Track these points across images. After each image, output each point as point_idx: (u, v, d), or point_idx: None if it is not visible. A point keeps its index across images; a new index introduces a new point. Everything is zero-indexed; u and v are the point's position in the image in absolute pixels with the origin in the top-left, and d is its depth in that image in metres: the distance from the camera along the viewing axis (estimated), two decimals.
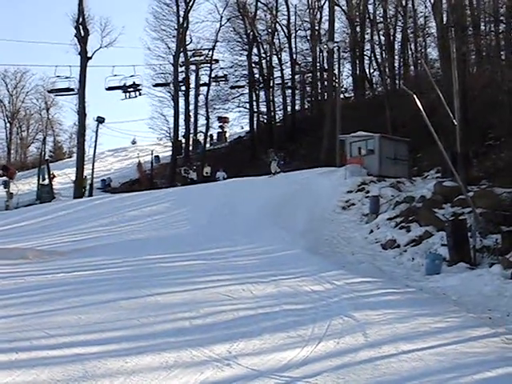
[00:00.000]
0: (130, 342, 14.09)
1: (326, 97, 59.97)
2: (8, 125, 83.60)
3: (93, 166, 55.75)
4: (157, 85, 65.56)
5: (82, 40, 55.37)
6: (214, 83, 66.22)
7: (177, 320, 16.01)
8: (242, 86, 66.12)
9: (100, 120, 58.64)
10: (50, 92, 67.89)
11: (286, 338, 14.65)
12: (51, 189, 51.26)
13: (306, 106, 68.68)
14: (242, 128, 71.25)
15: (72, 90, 59.04)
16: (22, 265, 23.67)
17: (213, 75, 66.24)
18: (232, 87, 66.37)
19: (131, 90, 62.79)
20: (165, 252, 24.94)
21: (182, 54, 64.44)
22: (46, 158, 66.77)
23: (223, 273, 21.41)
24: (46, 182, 51.98)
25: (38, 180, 52.57)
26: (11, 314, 16.38)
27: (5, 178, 54.50)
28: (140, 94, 64.05)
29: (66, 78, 58.39)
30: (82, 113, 55.32)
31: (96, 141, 59.38)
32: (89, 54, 55.79)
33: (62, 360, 12.70)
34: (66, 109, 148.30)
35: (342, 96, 54.15)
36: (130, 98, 63.89)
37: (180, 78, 64.35)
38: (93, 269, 22.37)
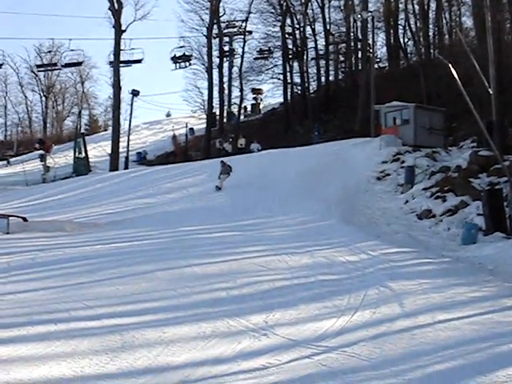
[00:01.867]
0: (168, 312, 14.23)
1: (360, 67, 59.55)
2: (44, 99, 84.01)
3: (128, 138, 55.96)
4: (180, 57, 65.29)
5: (116, 13, 55.29)
6: (248, 55, 66.04)
7: (213, 290, 16.13)
8: (270, 55, 65.67)
9: (135, 93, 58.78)
10: (64, 66, 68.75)
11: (322, 308, 14.70)
12: (87, 162, 51.55)
13: (340, 77, 68.17)
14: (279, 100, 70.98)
15: (80, 63, 59.98)
16: (61, 237, 23.94)
17: (248, 47, 66.08)
18: (265, 57, 66.02)
19: (181, 60, 63.13)
20: (200, 223, 25.06)
21: (215, 26, 64.22)
22: (82, 131, 67.16)
23: (259, 243, 21.49)
24: (83, 155, 52.29)
25: (74, 153, 52.81)
26: (50, 286, 16.61)
27: (41, 151, 54.89)
28: (190, 64, 64.40)
29: (72, 50, 58.79)
30: (116, 86, 55.38)
31: (131, 114, 59.59)
32: (123, 27, 55.75)
33: (101, 331, 12.86)
34: (101, 82, 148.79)
35: (376, 66, 53.77)
36: (180, 68, 64.37)
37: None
38: (130, 240, 22.57)
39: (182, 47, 63.20)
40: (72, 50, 59.48)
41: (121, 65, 55.73)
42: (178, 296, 15.57)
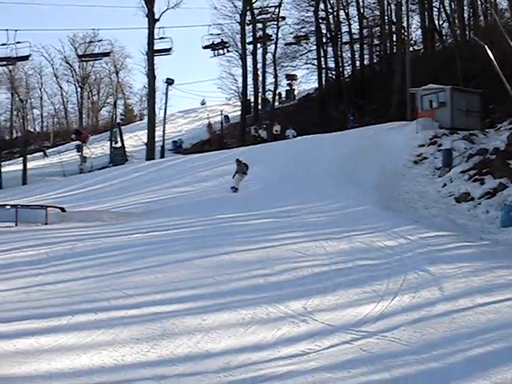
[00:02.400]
0: (207, 299, 14.26)
1: (394, 50, 59.12)
2: (79, 89, 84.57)
3: (163, 127, 56.12)
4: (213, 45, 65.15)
5: (149, 2, 55.33)
6: (282, 41, 65.76)
7: (252, 277, 16.15)
8: (306, 40, 65.28)
9: (169, 82, 58.87)
10: (80, 57, 69.09)
11: (361, 293, 14.65)
12: (124, 151, 51.77)
13: (375, 61, 67.67)
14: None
15: (107, 54, 60.04)
16: (99, 227, 24.10)
17: (281, 33, 65.79)
18: (298, 43, 65.69)
19: (219, 47, 63.09)
20: (237, 211, 25.08)
21: (248, 13, 64.03)
22: (118, 121, 67.48)
23: (296, 230, 21.46)
24: (119, 144, 52.50)
25: (111, 143, 53.07)
26: (89, 276, 16.72)
27: (78, 142, 55.24)
28: (228, 51, 64.37)
29: (99, 41, 58.86)
30: (151, 75, 55.49)
31: (166, 103, 59.77)
32: (156, 16, 55.78)
33: (141, 319, 12.93)
34: (136, 72, 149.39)
35: (411, 49, 53.33)
36: (218, 55, 64.41)
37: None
38: (167, 229, 22.66)
39: (218, 34, 63.05)
40: (99, 41, 59.65)
41: (154, 54, 55.75)
42: (216, 283, 15.60)
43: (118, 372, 10.20)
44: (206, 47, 62.33)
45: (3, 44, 50.46)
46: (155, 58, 55.85)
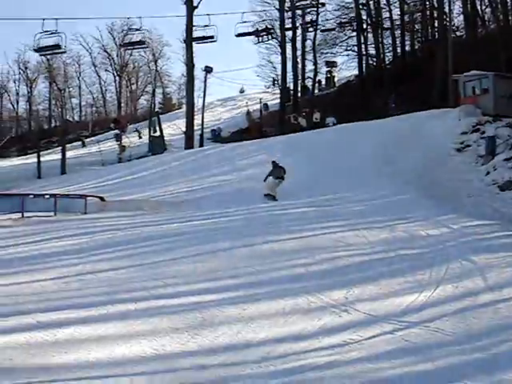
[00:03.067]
0: (247, 289, 14.17)
1: (436, 36, 58.45)
2: (117, 78, 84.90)
3: (202, 116, 56.08)
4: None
5: None
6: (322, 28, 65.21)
7: (292, 267, 16.03)
8: (346, 25, 64.67)
9: (208, 70, 58.78)
10: (122, 46, 68.90)
11: (403, 282, 14.48)
12: (163, 140, 51.85)
13: (417, 47, 66.98)
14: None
15: (143, 42, 59.70)
16: (138, 216, 24.15)
17: (321, 19, 65.27)
18: (339, 30, 65.12)
19: (264, 33, 62.45)
20: (277, 200, 24.95)
21: None
22: (156, 109, 67.69)
23: (337, 219, 21.34)
24: (158, 133, 52.60)
25: (149, 132, 53.20)
26: (129, 265, 16.72)
27: (117, 131, 55.47)
28: (272, 38, 63.79)
29: (137, 30, 58.60)
30: (189, 63, 55.44)
31: (205, 91, 59.63)
32: (194, 3, 55.62)
33: (181, 309, 12.88)
34: (174, 60, 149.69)
35: (453, 35, 52.66)
36: (262, 41, 63.75)
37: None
38: (206, 218, 22.63)
39: (263, 21, 62.39)
40: (137, 30, 59.52)
41: (198, 42, 55.56)
42: (256, 273, 15.51)
43: (157, 362, 10.16)
44: (240, 35, 61.69)
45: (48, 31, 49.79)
46: (194, 46, 55.81)
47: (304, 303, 13.25)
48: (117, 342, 11.14)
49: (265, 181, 27.69)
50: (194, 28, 54.49)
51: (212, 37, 55.33)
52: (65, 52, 55.03)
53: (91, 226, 21.94)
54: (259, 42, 63.32)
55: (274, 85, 67.42)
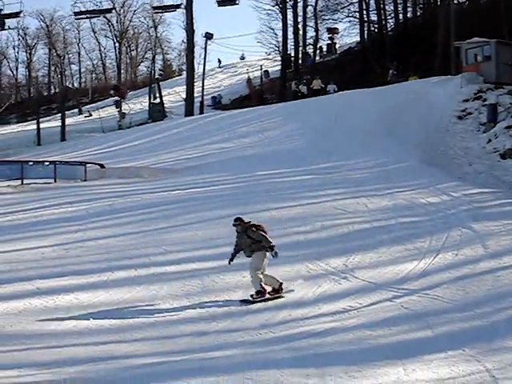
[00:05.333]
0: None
1: (438, 3, 57.99)
2: (117, 44, 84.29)
3: (203, 83, 55.76)
4: None
5: None
6: None
7: (292, 234, 16.05)
8: None
9: (208, 36, 58.32)
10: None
11: (403, 250, 14.50)
12: (162, 107, 51.62)
13: (419, 13, 66.48)
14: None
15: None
16: (138, 183, 24.12)
17: None
18: None
19: None
20: (277, 167, 24.89)
21: None
22: (156, 76, 67.28)
23: (337, 187, 21.28)
24: (157, 100, 52.37)
25: (149, 99, 52.91)
26: (129, 232, 16.76)
27: (116, 97, 55.21)
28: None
29: None
30: (190, 29, 54.96)
31: (205, 57, 59.21)
32: None
33: (181, 276, 12.93)
34: (174, 26, 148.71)
35: (455, 1, 52.29)
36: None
37: None
38: (206, 185, 22.59)
39: None
40: None
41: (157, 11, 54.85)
42: None
43: (158, 328, 10.20)
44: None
45: None
46: (194, 12, 55.36)
47: (304, 270, 13.29)
48: (117, 308, 11.18)
49: (230, 263, 12.48)
50: None
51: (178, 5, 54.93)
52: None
53: (91, 193, 21.93)
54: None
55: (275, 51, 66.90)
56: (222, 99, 59.21)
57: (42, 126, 44.49)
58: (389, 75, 44.33)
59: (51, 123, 50.29)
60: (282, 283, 11.90)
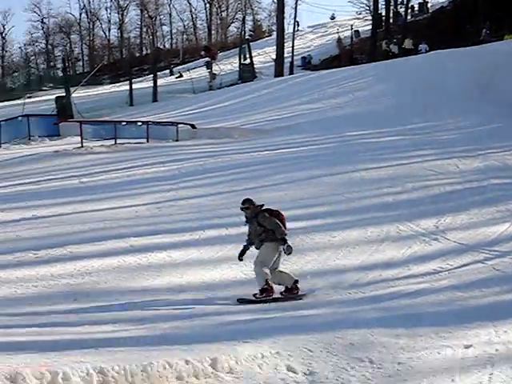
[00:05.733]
0: (336, 217, 14.24)
1: None
2: (208, 5, 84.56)
3: (292, 43, 55.57)
4: None
5: None
6: None
7: (382, 195, 16.00)
8: None
9: None
10: None
11: (495, 212, 14.31)
12: (252, 68, 51.63)
13: None
14: None
15: None
16: (228, 143, 24.29)
17: None
18: None
19: None
20: (367, 128, 24.69)
21: None
22: (246, 37, 67.29)
23: (427, 147, 21.00)
24: (248, 61, 52.39)
25: (239, 60, 52.98)
26: (219, 192, 16.97)
27: (207, 58, 55.48)
28: None
29: None
30: None
31: (295, 18, 59.02)
32: None
33: None
34: None
35: None
36: None
37: None
38: (295, 146, 22.61)
39: None
40: None
41: None
42: (345, 201, 15.55)
43: (248, 286, 10.31)
44: None
45: None
46: None
47: (393, 231, 13.25)
48: (208, 266, 11.39)
49: (240, 258, 10.83)
50: None
51: None
52: None
53: (182, 153, 22.23)
54: None
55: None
56: (311, 60, 58.90)
57: (134, 86, 45.03)
58: (482, 34, 43.32)
59: (143, 84, 50.87)
60: (297, 280, 10.10)
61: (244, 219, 10.65)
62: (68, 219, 14.31)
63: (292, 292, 10.05)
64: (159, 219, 14.39)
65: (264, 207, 10.46)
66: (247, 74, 50.16)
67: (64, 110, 35.34)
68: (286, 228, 10.25)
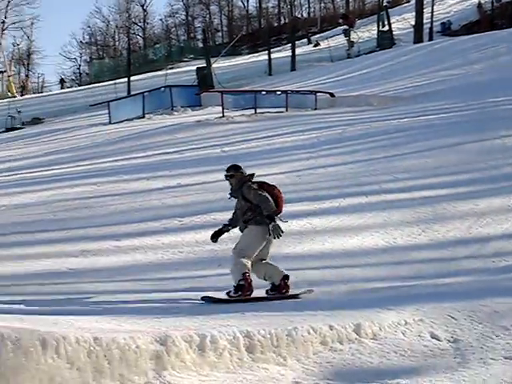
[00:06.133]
0: (479, 184, 13.98)
1: None
2: None
3: (432, 9, 54.47)
4: None
5: None
6: None
7: None
8: None
9: None
10: None
11: None
12: (391, 35, 51.01)
13: None
14: None
15: None
16: (367, 111, 24.17)
17: None
18: None
19: None
20: (509, 94, 23.99)
21: None
22: (384, 4, 66.37)
23: None
24: (386, 28, 51.79)
25: (378, 27, 52.43)
26: (359, 160, 16.94)
27: (345, 26, 55.14)
28: None
29: None
30: None
31: None
32: None
33: (412, 203, 12.93)
34: None
35: None
36: None
37: None
38: (436, 113, 22.24)
39: None
40: None
41: None
42: (488, 168, 15.22)
43: (388, 254, 10.34)
44: None
45: None
46: None
47: None
48: (349, 234, 11.44)
49: (214, 239, 8.83)
50: None
51: None
52: None
53: (321, 122, 22.30)
54: None
55: None
56: (451, 25, 57.59)
57: (272, 56, 45.31)
58: None
59: (281, 53, 51.15)
60: (286, 276, 8.20)
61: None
62: (210, 187, 14.61)
63: (280, 291, 8.23)
64: (299, 187, 14.49)
65: (259, 180, 8.63)
66: (386, 41, 49.58)
67: (205, 80, 35.98)
68: (281, 211, 8.39)
